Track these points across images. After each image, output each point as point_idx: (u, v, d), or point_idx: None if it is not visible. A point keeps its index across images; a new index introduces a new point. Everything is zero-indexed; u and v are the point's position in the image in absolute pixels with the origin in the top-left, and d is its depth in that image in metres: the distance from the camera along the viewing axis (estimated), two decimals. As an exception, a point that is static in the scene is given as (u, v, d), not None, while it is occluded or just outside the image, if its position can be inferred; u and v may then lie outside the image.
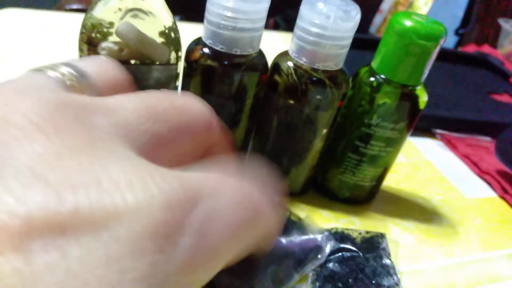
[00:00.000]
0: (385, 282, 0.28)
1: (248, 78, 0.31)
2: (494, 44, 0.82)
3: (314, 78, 0.30)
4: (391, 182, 0.42)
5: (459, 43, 1.26)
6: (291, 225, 0.30)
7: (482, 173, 0.46)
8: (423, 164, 0.46)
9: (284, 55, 0.32)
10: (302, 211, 0.35)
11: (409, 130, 0.34)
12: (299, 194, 0.37)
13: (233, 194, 0.15)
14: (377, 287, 0.27)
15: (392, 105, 0.32)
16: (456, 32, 1.20)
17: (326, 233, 0.31)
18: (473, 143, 0.51)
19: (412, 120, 0.33)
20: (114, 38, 0.27)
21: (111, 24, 0.27)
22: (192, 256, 0.13)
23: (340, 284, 0.28)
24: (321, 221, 0.35)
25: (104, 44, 0.27)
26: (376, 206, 0.38)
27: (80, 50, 0.28)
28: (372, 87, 0.32)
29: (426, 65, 0.30)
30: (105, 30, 0.27)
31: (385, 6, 1.79)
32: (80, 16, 0.59)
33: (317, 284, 0.28)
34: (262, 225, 0.17)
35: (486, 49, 0.77)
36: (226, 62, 0.30)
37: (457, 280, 0.33)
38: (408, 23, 0.29)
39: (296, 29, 0.30)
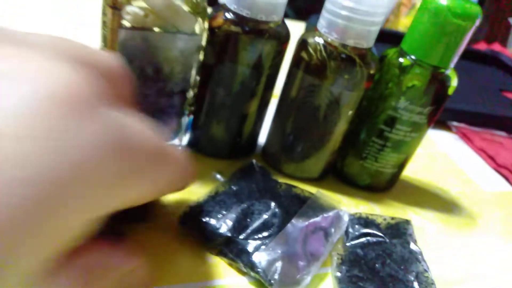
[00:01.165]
0: (414, 268, 0.27)
1: (270, 46, 0.30)
2: (503, 43, 0.81)
3: (344, 56, 0.29)
4: (409, 172, 0.41)
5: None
6: (309, 202, 0.29)
7: (498, 167, 0.45)
8: (440, 156, 0.46)
9: (312, 31, 0.31)
10: (322, 196, 0.34)
11: (435, 116, 0.33)
12: (317, 179, 0.36)
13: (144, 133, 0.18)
14: (406, 273, 0.26)
15: (421, 88, 0.31)
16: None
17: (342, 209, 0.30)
18: (488, 137, 0.50)
19: (440, 105, 0.32)
20: (139, 2, 0.26)
21: (138, -13, 0.25)
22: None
23: (366, 269, 0.27)
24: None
25: (129, 8, 0.26)
26: (395, 195, 0.37)
27: (103, 14, 0.26)
28: (401, 68, 0.31)
29: (460, 47, 0.30)
30: (130, -6, 0.26)
31: (388, 6, 1.79)
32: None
33: (343, 268, 0.27)
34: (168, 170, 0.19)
35: (496, 47, 0.77)
36: (250, 28, 0.29)
37: (479, 271, 0.32)
38: (443, 1, 0.28)
39: (327, 3, 0.29)
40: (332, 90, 0.30)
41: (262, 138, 0.37)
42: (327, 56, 0.29)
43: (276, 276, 0.24)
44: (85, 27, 0.49)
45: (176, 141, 0.34)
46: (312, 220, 0.28)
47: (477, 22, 0.29)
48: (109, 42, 0.27)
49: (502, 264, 0.33)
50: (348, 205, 0.34)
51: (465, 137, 0.49)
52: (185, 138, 0.34)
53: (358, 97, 0.31)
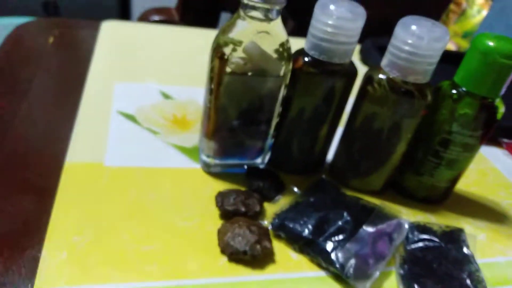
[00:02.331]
0: (467, 268, 0.32)
1: (341, 83, 0.36)
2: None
3: (403, 89, 0.35)
4: (461, 186, 0.45)
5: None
6: (375, 212, 0.35)
7: (548, 181, 0.49)
8: (491, 171, 0.50)
9: (377, 68, 0.36)
10: (383, 207, 0.40)
11: (486, 137, 0.37)
12: (379, 192, 0.41)
13: None
14: (460, 273, 0.32)
15: (471, 115, 0.36)
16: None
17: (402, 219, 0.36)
18: (539, 153, 0.53)
19: (489, 128, 0.37)
20: (240, 53, 0.33)
21: (240, 42, 0.33)
22: None
23: (425, 268, 0.32)
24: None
25: (233, 59, 0.33)
26: (449, 206, 0.42)
27: (211, 61, 0.34)
28: (454, 99, 0.36)
29: (506, 81, 0.34)
30: (234, 47, 0.33)
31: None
32: (167, 29, 0.66)
33: (406, 267, 0.32)
34: None
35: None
36: (325, 69, 0.35)
37: (529, 275, 0.36)
38: (491, 43, 0.33)
39: (389, 47, 0.35)
40: (393, 117, 0.36)
41: (329, 156, 0.43)
42: (390, 90, 0.35)
43: (351, 271, 0.30)
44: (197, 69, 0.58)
45: (259, 160, 0.41)
46: (379, 227, 0.33)
47: (522, 60, 0.33)
48: (215, 84, 0.34)
49: (549, 270, 0.37)
50: (407, 215, 0.40)
51: (515, 153, 0.53)
52: (267, 157, 0.41)
53: (416, 123, 0.37)
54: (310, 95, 0.37)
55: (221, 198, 0.35)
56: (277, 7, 0.32)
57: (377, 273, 0.31)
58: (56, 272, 0.28)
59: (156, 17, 0.85)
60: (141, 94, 0.50)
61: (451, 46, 1.45)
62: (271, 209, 0.36)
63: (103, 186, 0.36)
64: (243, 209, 0.34)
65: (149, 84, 0.52)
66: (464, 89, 0.36)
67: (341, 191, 0.39)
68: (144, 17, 0.89)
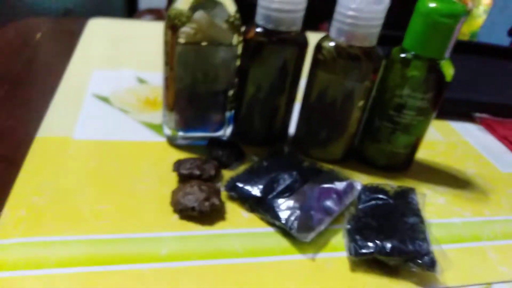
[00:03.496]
0: (411, 220, 0.33)
1: (292, 51, 0.37)
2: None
3: (350, 54, 0.36)
4: (427, 156, 0.46)
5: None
6: (327, 173, 0.36)
7: (519, 152, 0.49)
8: (461, 143, 0.50)
9: (326, 37, 0.38)
10: (343, 174, 0.41)
11: (438, 101, 0.38)
12: (341, 161, 0.42)
13: None
14: (403, 225, 0.32)
15: (420, 77, 0.37)
16: (509, 33, 1.20)
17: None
18: (513, 127, 0.53)
19: (439, 90, 0.38)
20: (190, 24, 0.35)
21: (189, 13, 0.35)
22: None
23: (372, 221, 0.33)
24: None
25: (183, 29, 0.35)
26: (411, 174, 0.43)
27: (165, 34, 0.36)
28: (403, 62, 0.37)
29: (450, 40, 0.35)
30: (184, 18, 0.35)
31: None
32: (150, 24, 0.69)
33: (352, 222, 0.33)
34: None
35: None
36: (276, 38, 0.37)
37: (484, 234, 0.36)
38: (432, 4, 0.34)
39: (335, 14, 0.36)
40: (345, 83, 0.37)
41: (292, 129, 0.44)
42: (337, 55, 0.36)
43: (295, 223, 0.31)
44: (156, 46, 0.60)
45: (221, 132, 0.42)
46: (327, 185, 0.34)
47: (463, 19, 0.34)
48: (169, 54, 0.36)
49: (507, 230, 0.37)
50: (367, 181, 0.40)
51: (489, 127, 0.53)
52: (228, 130, 0.43)
53: (367, 88, 0.38)
54: (264, 65, 0.38)
55: (178, 163, 0.37)
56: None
57: (322, 227, 0.32)
58: (13, 226, 0.30)
59: (148, 17, 0.88)
60: (118, 80, 0.52)
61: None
62: (229, 175, 0.38)
63: (68, 156, 0.38)
64: (197, 172, 0.36)
65: (127, 71, 0.54)
66: (412, 52, 0.37)
67: (299, 157, 0.40)
68: (138, 17, 0.93)
